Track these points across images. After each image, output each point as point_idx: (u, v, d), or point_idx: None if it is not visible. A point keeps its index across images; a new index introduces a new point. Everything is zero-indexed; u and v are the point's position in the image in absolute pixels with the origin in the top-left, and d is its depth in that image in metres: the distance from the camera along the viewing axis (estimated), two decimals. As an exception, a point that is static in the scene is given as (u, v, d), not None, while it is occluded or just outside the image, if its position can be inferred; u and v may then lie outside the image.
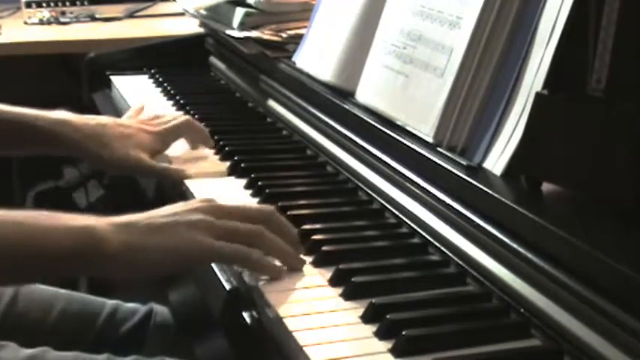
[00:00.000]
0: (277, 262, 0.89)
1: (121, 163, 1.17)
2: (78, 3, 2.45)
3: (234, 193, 1.12)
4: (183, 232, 0.84)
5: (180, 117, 1.28)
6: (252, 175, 1.14)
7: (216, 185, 1.15)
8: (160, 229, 0.85)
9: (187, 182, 1.15)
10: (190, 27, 1.90)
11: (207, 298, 0.93)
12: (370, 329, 0.77)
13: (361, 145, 1.10)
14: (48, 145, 1.18)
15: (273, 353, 0.77)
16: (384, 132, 1.05)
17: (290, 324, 0.78)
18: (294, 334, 0.76)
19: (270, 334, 0.79)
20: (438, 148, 0.96)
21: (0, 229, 0.81)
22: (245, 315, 0.84)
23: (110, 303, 1.27)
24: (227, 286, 0.87)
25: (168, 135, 1.24)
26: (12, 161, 2.42)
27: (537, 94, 0.84)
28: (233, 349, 0.86)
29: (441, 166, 0.93)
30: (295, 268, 0.89)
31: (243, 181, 1.14)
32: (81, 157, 1.24)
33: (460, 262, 0.87)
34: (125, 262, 0.83)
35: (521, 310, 0.78)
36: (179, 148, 1.27)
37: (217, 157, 1.26)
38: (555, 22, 0.85)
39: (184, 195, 1.11)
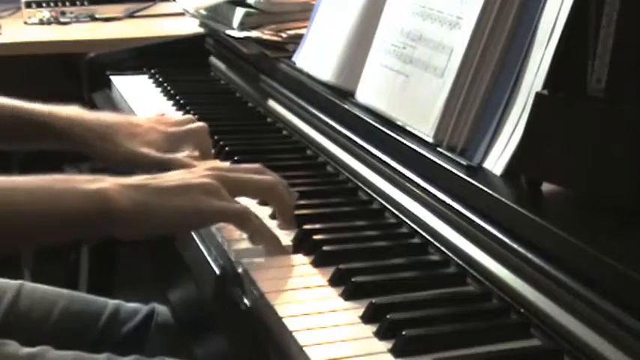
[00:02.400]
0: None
1: (129, 160, 1.19)
2: (78, 3, 2.45)
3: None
4: (197, 195, 0.88)
5: (197, 123, 1.24)
6: (252, 175, 1.14)
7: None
8: (172, 191, 0.88)
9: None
10: (190, 27, 1.90)
11: (210, 303, 0.93)
12: (370, 329, 0.77)
13: (361, 145, 1.10)
14: (59, 142, 1.19)
15: (272, 353, 0.77)
16: (384, 132, 1.05)
17: (290, 324, 0.78)
18: (294, 334, 0.76)
19: (269, 333, 0.79)
20: (438, 148, 0.96)
21: (14, 195, 0.84)
22: (244, 315, 0.84)
23: (112, 303, 1.27)
24: (233, 296, 0.87)
25: (179, 137, 1.22)
26: (12, 161, 2.41)
27: (537, 94, 0.84)
28: (233, 350, 0.86)
29: (441, 166, 0.93)
30: (290, 227, 0.96)
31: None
32: (91, 154, 1.25)
33: (460, 262, 0.87)
34: (135, 221, 0.87)
35: (521, 310, 0.78)
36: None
37: (217, 157, 1.26)
38: (555, 22, 0.85)
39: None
